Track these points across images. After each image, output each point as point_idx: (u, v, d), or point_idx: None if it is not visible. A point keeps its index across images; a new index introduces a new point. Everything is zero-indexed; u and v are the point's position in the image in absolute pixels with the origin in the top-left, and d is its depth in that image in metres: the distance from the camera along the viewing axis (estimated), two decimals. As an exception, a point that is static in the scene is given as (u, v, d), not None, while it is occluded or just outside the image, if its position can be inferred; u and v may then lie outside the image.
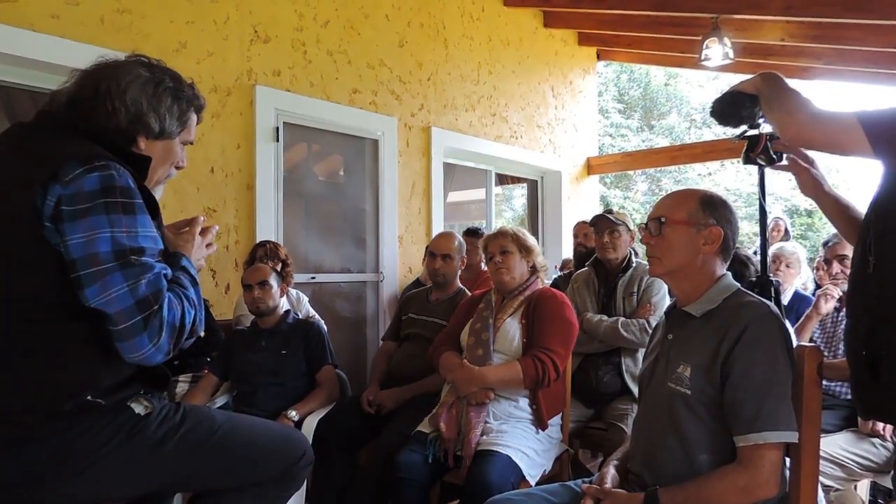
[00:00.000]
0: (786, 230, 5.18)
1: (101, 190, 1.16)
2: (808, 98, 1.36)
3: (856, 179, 13.60)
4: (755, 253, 2.93)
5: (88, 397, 1.22)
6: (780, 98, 1.40)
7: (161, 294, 1.19)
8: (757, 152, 1.62)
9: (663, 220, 1.52)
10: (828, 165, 1.79)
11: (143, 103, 1.31)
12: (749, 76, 1.55)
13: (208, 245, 1.50)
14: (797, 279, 3.28)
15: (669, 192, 1.67)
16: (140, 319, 1.15)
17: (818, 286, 2.98)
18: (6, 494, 1.19)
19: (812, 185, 1.58)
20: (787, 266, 3.24)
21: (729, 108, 1.56)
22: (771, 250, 3.27)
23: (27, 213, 1.14)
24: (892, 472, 1.70)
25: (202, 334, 1.35)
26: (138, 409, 1.30)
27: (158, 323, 1.18)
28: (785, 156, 1.61)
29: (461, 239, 3.01)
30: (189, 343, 1.30)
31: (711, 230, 1.49)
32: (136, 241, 1.19)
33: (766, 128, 1.60)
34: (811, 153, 1.60)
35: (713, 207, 1.50)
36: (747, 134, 1.64)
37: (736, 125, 1.60)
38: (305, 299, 3.33)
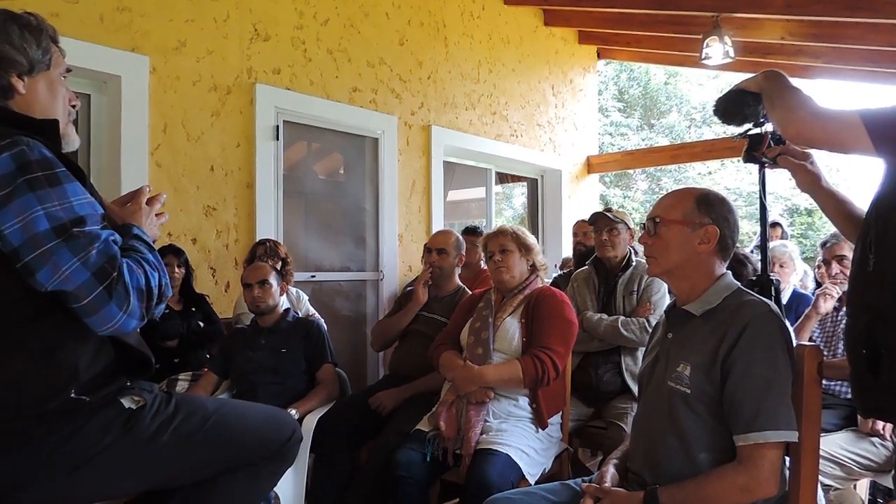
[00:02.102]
0: (782, 234, 5.17)
1: (18, 169, 1.11)
2: (809, 96, 1.36)
3: (856, 178, 13.60)
4: (752, 252, 2.93)
5: (72, 394, 1.19)
6: (781, 96, 1.40)
7: (116, 260, 1.15)
8: (762, 151, 1.62)
9: (658, 220, 1.52)
10: (827, 164, 1.79)
11: None
12: (749, 75, 1.55)
13: (158, 214, 1.44)
14: (793, 276, 3.28)
15: (668, 191, 1.67)
16: (102, 290, 1.12)
17: (818, 284, 2.98)
18: (1, 499, 1.18)
19: (809, 181, 1.57)
20: (781, 266, 3.23)
21: (733, 106, 1.56)
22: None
23: None
24: (893, 472, 1.70)
25: (169, 295, 1.30)
26: (128, 403, 1.28)
27: (123, 289, 1.14)
28: (779, 154, 1.60)
29: (459, 237, 3.02)
30: (160, 311, 1.27)
31: (707, 229, 1.48)
32: (73, 212, 1.14)
33: (770, 126, 1.60)
34: (809, 149, 1.59)
35: (709, 206, 1.50)
36: (751, 132, 1.63)
37: (739, 123, 1.60)
38: (305, 298, 3.33)
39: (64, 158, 1.22)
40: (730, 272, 1.54)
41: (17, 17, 1.28)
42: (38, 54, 1.28)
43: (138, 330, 1.34)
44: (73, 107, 1.40)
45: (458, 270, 3.01)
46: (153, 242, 1.35)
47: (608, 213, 2.88)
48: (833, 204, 1.54)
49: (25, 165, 1.12)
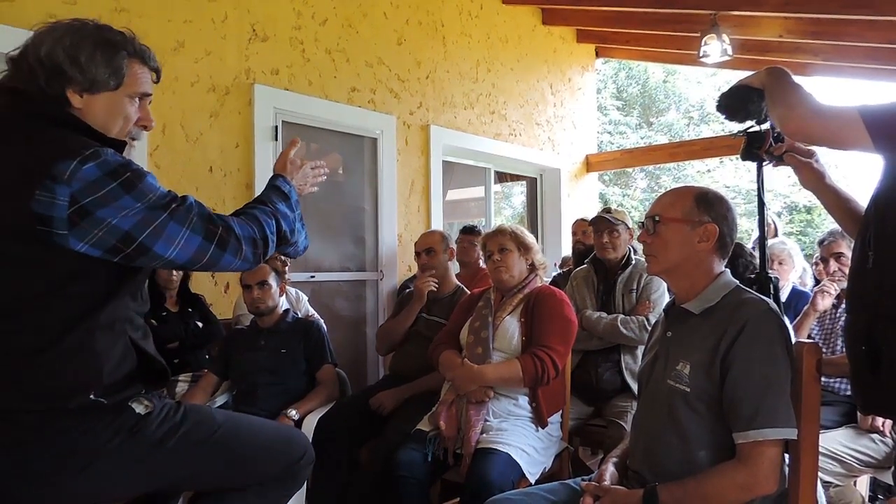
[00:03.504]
0: (774, 229, 5.13)
1: (107, 175, 1.16)
2: (810, 93, 1.36)
3: (855, 175, 13.59)
4: (753, 248, 2.93)
5: (91, 396, 1.22)
6: (782, 92, 1.40)
7: (212, 218, 1.28)
8: (765, 148, 1.62)
9: (658, 218, 1.52)
10: (826, 161, 1.79)
11: (60, 55, 1.23)
12: (747, 73, 1.55)
13: (315, 176, 1.64)
14: (792, 273, 3.28)
15: (667, 189, 1.67)
16: (215, 247, 1.26)
17: (818, 282, 2.98)
18: (6, 494, 1.19)
19: (813, 179, 1.57)
20: (780, 263, 3.23)
21: (736, 102, 1.56)
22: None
23: (24, 217, 1.12)
24: (893, 468, 1.71)
25: (296, 239, 1.47)
26: (139, 408, 1.30)
27: (235, 240, 1.28)
28: (785, 151, 1.61)
29: (444, 233, 3.06)
30: (303, 242, 1.51)
31: (706, 227, 1.48)
32: (163, 194, 1.24)
33: (767, 124, 1.60)
34: (812, 146, 1.60)
35: (708, 205, 1.50)
36: (751, 130, 1.63)
37: (743, 120, 1.60)
38: (305, 298, 3.33)
39: None
40: (728, 270, 1.54)
41: (95, 34, 1.29)
42: (105, 74, 1.28)
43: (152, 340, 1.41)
44: (145, 128, 1.42)
45: (452, 265, 3.02)
46: (298, 195, 1.54)
47: (608, 215, 2.87)
48: (836, 201, 1.55)
49: (112, 172, 1.18)
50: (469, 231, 3.88)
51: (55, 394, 1.19)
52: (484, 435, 2.13)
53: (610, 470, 1.57)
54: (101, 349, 1.22)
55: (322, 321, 3.02)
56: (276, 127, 3.49)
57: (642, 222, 1.57)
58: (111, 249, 1.17)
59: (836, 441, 2.24)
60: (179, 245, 1.22)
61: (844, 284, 2.52)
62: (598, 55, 6.54)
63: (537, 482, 2.07)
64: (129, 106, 1.34)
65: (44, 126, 1.22)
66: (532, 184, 5.99)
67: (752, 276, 1.74)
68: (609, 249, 2.84)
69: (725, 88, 1.61)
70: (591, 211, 5.49)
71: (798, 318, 2.75)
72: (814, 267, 3.10)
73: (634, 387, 2.61)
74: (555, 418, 2.29)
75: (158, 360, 1.38)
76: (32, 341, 1.18)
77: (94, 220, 1.14)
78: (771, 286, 1.69)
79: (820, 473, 1.53)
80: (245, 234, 1.31)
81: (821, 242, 2.84)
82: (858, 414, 2.33)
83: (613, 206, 3.03)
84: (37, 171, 1.13)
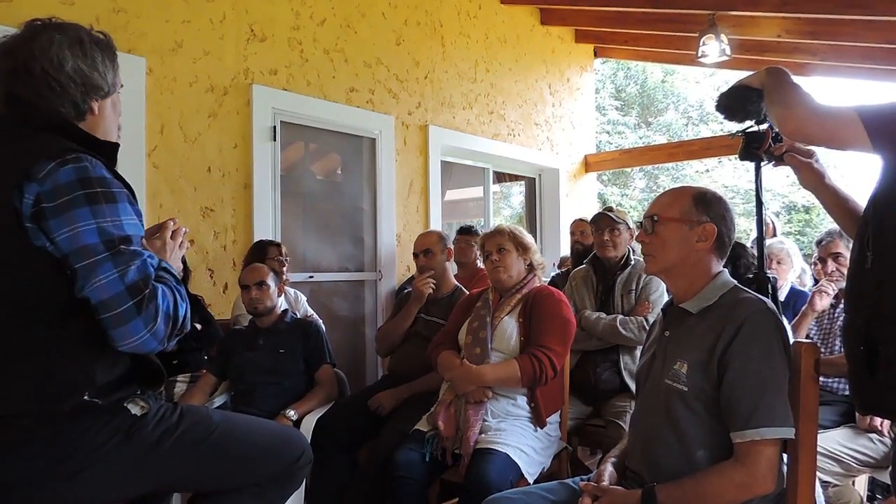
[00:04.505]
0: (773, 229, 5.13)
1: (78, 182, 1.16)
2: (809, 93, 1.36)
3: (854, 175, 13.61)
4: (751, 246, 2.93)
5: (86, 397, 1.21)
6: (781, 92, 1.40)
7: (150, 279, 1.19)
8: (765, 148, 1.62)
9: (656, 218, 1.52)
10: (826, 161, 1.81)
11: (84, 68, 1.27)
12: (746, 73, 1.55)
13: (181, 245, 1.48)
14: (791, 273, 3.29)
15: (666, 189, 1.67)
16: (132, 304, 1.15)
17: (816, 281, 2.99)
18: (3, 497, 1.19)
19: (813, 179, 1.57)
20: (779, 263, 3.23)
21: (736, 102, 1.56)
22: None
23: (7, 215, 1.14)
24: (891, 468, 1.71)
25: (188, 329, 1.36)
26: (135, 409, 1.29)
27: (153, 308, 1.17)
28: (785, 151, 1.61)
29: (441, 233, 3.06)
30: (173, 344, 1.29)
31: (705, 227, 1.48)
32: (122, 230, 1.19)
33: (765, 124, 1.60)
34: (811, 146, 1.60)
35: (707, 204, 1.50)
36: (749, 130, 1.63)
37: (742, 120, 1.60)
38: (303, 298, 3.33)
39: (119, 179, 1.26)
40: (726, 270, 1.54)
41: (98, 41, 1.32)
42: (113, 78, 1.34)
43: None
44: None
45: (451, 265, 3.02)
46: (178, 275, 1.38)
47: (610, 213, 2.87)
48: (836, 201, 1.55)
49: (86, 180, 1.17)
50: (466, 231, 3.88)
51: (49, 396, 1.19)
52: (482, 435, 2.13)
53: (608, 470, 1.57)
54: (94, 352, 1.22)
55: (321, 321, 3.01)
56: (275, 127, 3.49)
57: (641, 222, 1.57)
58: (60, 261, 1.16)
59: (834, 441, 2.24)
60: (99, 283, 1.14)
61: (842, 284, 2.53)
62: (596, 55, 6.54)
63: (536, 482, 2.07)
64: (119, 100, 1.39)
65: (43, 134, 1.23)
66: (531, 184, 5.99)
67: (751, 275, 1.74)
68: (609, 248, 2.84)
69: (724, 88, 1.61)
70: (590, 211, 5.49)
71: (796, 318, 2.75)
72: (812, 267, 3.10)
73: (633, 386, 2.61)
74: (553, 418, 2.29)
75: (154, 360, 1.37)
76: (22, 343, 1.18)
77: (46, 228, 1.15)
78: (769, 286, 1.69)
79: (818, 473, 1.53)
80: (164, 308, 1.20)
81: (819, 242, 2.84)
82: (857, 414, 2.33)
83: (614, 207, 3.03)
84: (20, 168, 1.15)
